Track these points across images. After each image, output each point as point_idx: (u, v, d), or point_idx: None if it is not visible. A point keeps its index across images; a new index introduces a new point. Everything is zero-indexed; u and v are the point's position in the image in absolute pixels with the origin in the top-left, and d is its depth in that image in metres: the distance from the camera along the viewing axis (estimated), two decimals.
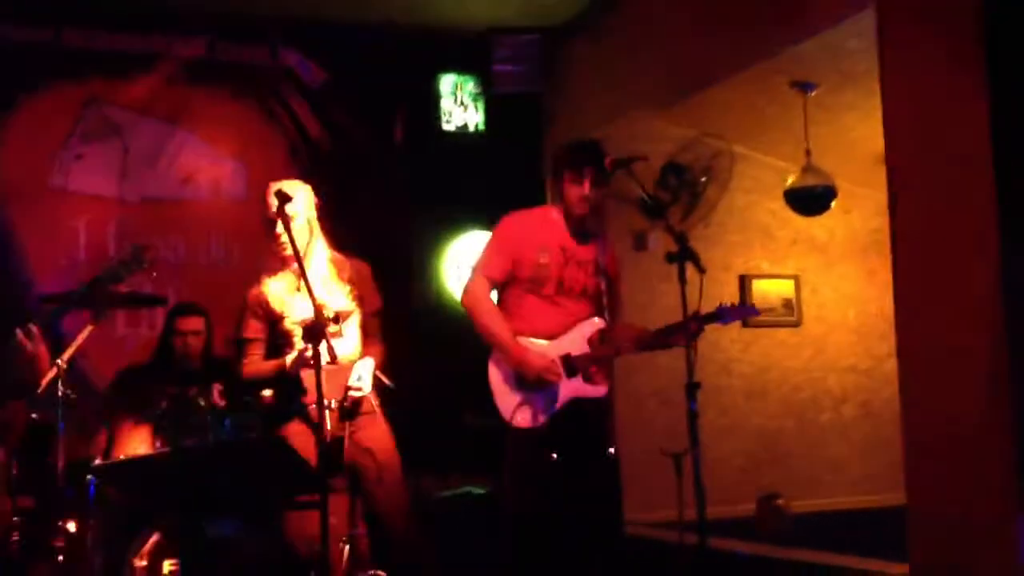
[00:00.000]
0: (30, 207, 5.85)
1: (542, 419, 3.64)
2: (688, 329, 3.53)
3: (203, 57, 6.28)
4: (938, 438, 3.98)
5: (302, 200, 3.87)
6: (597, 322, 3.80)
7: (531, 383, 3.65)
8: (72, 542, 4.11)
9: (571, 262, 3.78)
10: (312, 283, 3.47)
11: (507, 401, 3.66)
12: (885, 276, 6.77)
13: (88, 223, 5.97)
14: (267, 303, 3.92)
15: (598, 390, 3.77)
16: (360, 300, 3.98)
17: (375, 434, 3.87)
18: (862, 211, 7.33)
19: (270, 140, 6.47)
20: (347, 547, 3.70)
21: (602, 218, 6.40)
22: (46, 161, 5.93)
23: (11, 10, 5.79)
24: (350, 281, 3.97)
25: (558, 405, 3.67)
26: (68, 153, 5.99)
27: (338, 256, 4.02)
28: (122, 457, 4.21)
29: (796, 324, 7.18)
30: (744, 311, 3.75)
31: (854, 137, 6.44)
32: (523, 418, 3.63)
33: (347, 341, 3.86)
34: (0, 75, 5.79)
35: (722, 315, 3.66)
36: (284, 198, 3.50)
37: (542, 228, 3.82)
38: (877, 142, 4.42)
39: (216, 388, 4.48)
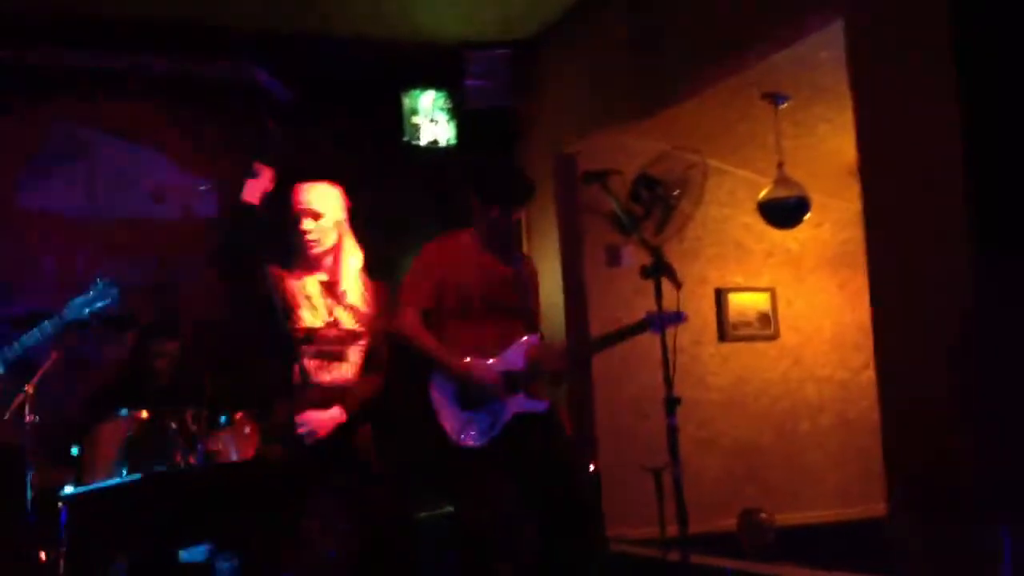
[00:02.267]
0: None
1: (490, 437, 3.64)
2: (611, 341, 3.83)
3: (171, 75, 6.22)
4: (917, 452, 3.96)
5: (331, 201, 3.85)
6: (531, 339, 3.83)
7: (478, 397, 3.63)
8: (43, 572, 4.03)
9: (493, 282, 3.82)
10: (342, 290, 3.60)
11: (453, 422, 3.67)
12: (856, 287, 6.84)
13: (57, 243, 5.89)
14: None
15: (540, 405, 3.79)
16: (373, 322, 3.89)
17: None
18: (833, 223, 7.35)
19: (240, 158, 6.39)
20: None
21: (573, 234, 6.51)
22: (13, 181, 5.85)
23: None
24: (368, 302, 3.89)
25: (504, 421, 3.66)
26: (36, 173, 5.91)
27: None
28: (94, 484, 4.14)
29: (773, 338, 7.18)
30: (672, 317, 3.60)
31: (826, 149, 6.45)
32: (471, 437, 3.63)
33: (346, 366, 3.81)
34: None
35: (649, 323, 3.65)
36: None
37: (462, 251, 3.87)
38: (848, 154, 4.43)
39: (189, 412, 4.40)
